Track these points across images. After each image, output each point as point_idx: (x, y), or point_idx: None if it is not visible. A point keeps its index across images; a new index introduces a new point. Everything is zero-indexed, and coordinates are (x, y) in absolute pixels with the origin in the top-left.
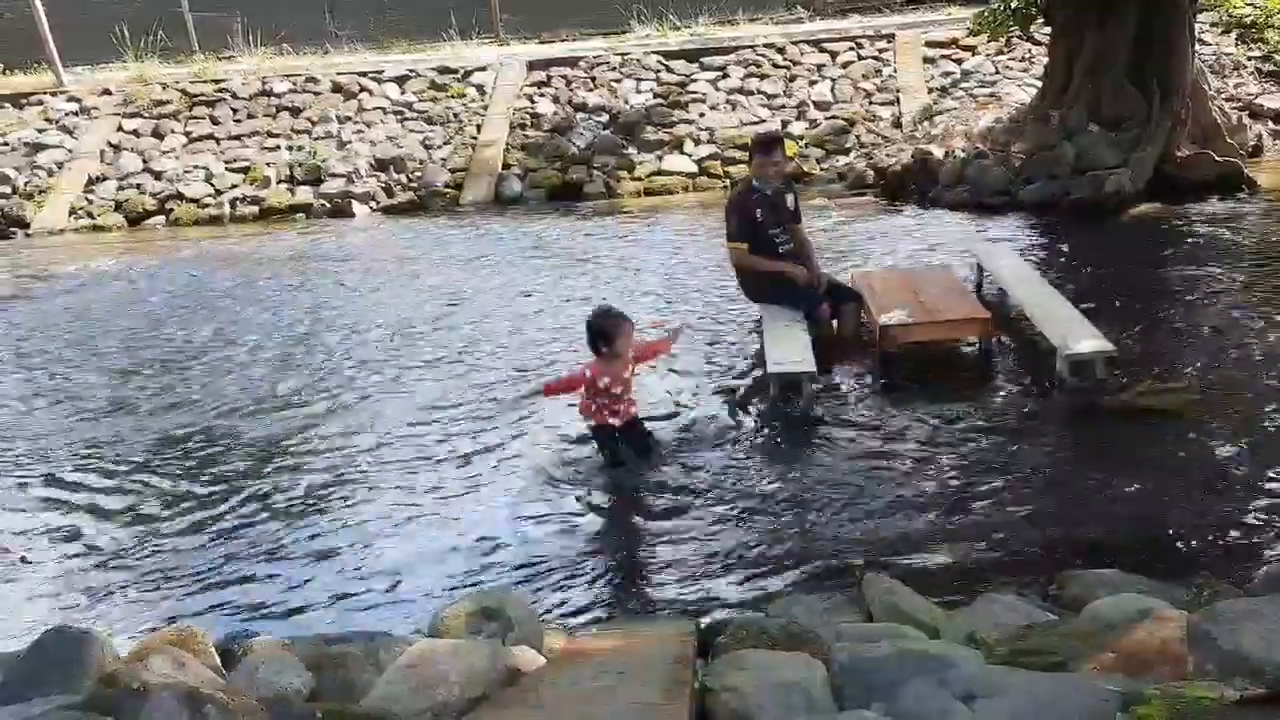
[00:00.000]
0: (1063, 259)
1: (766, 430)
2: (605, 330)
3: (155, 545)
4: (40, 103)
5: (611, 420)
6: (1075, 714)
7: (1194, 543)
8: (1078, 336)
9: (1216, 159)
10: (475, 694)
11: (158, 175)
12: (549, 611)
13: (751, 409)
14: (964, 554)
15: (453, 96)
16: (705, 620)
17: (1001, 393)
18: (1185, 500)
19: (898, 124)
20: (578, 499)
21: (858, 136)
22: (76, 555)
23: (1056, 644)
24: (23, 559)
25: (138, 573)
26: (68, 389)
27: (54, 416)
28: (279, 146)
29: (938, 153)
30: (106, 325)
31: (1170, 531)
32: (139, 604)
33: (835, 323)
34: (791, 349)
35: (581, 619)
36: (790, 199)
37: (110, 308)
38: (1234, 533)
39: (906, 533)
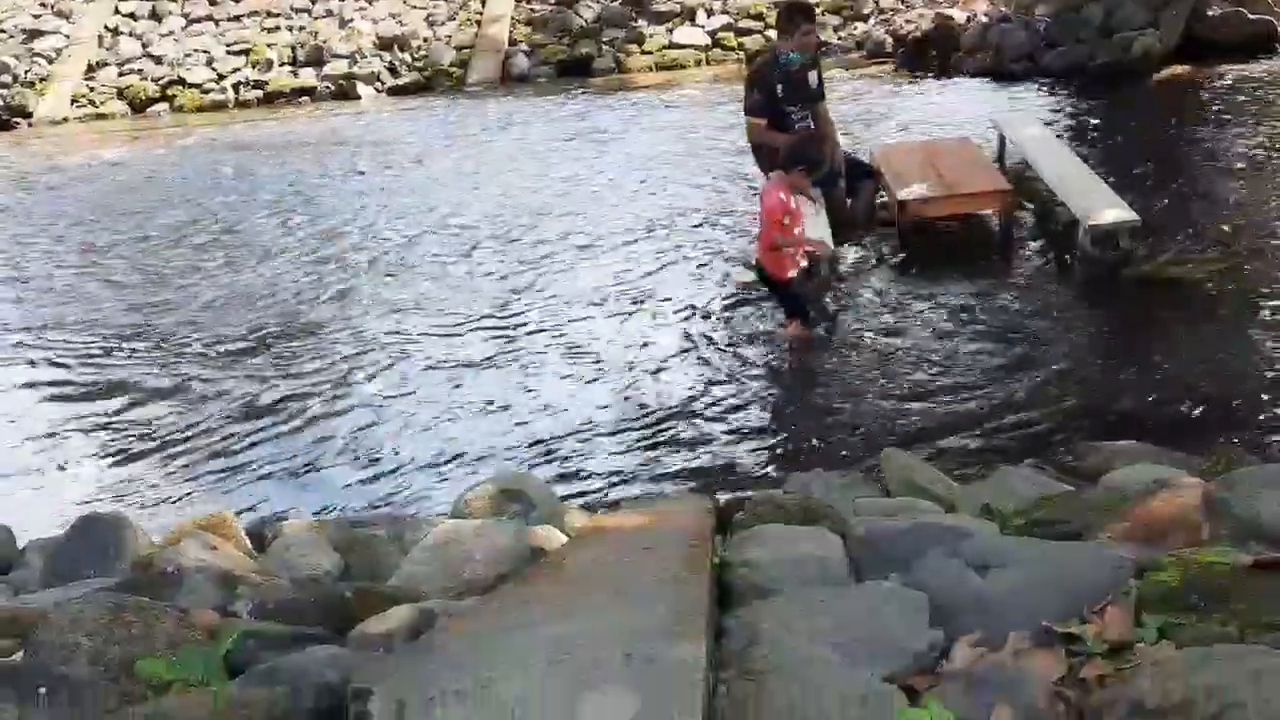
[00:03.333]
0: (1087, 127)
1: (783, 310)
2: (806, 155)
3: (184, 432)
4: None
5: (792, 270)
6: (1089, 581)
7: (1215, 413)
8: (1100, 206)
9: (1249, 17)
10: (500, 572)
11: (158, 60)
12: (569, 485)
13: (767, 289)
14: (982, 428)
15: None
16: (724, 497)
17: (1022, 267)
18: (1208, 372)
19: None
20: (593, 380)
21: (876, 2)
22: (108, 444)
23: (1072, 514)
24: None
25: (168, 460)
26: (93, 278)
27: (80, 306)
28: (279, 27)
29: (959, 17)
30: (122, 215)
31: (1191, 403)
32: (169, 491)
33: (851, 200)
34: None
35: (602, 498)
36: (814, 75)
37: (123, 197)
38: (1257, 403)
39: (925, 408)
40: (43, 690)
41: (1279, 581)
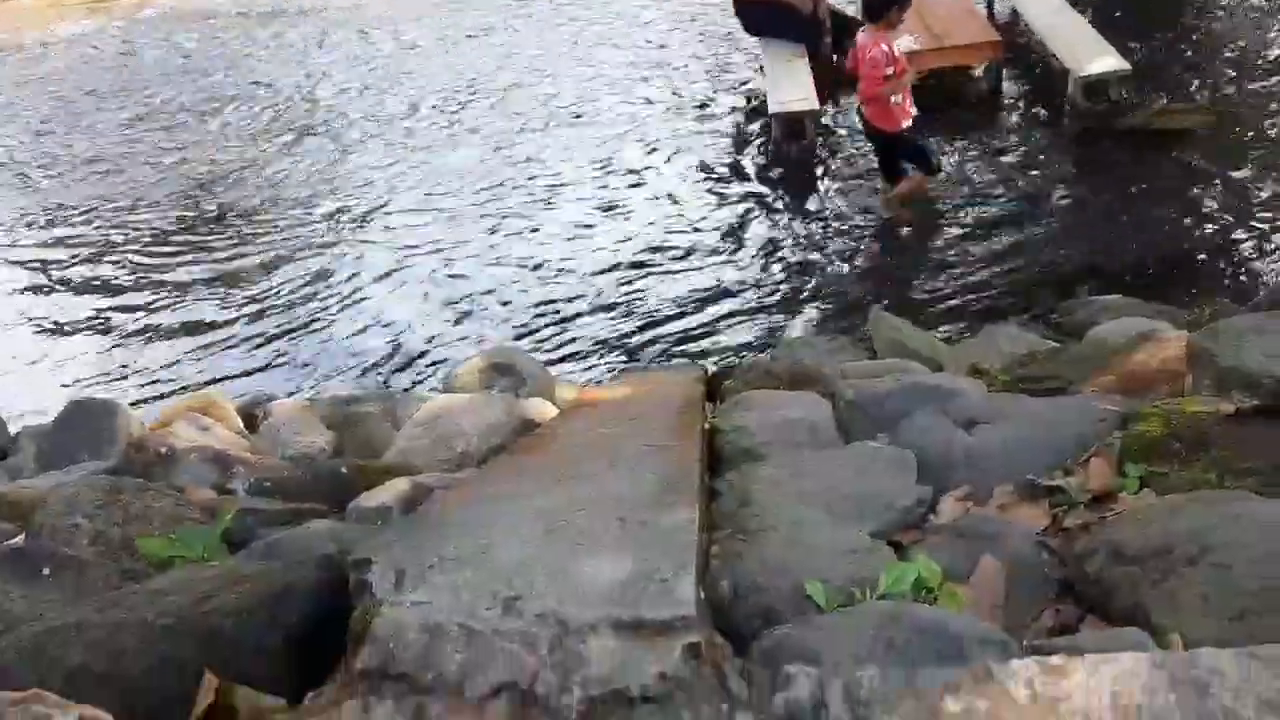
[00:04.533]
0: None
1: (769, 174)
2: None
3: (169, 317)
4: None
5: (905, 121)
6: (1073, 434)
7: (1204, 266)
8: (1091, 56)
9: None
10: (492, 445)
11: None
12: (560, 361)
13: (753, 152)
14: (970, 287)
15: None
16: (714, 365)
17: (1012, 120)
18: (1198, 224)
19: None
20: (581, 252)
21: None
22: (93, 330)
23: (1057, 370)
24: None
25: (155, 346)
26: (70, 158)
27: (56, 185)
28: None
29: None
30: (91, 91)
31: (1180, 255)
32: (157, 376)
33: (837, 57)
34: (793, 87)
35: (593, 371)
36: None
37: (89, 74)
38: (1246, 254)
39: (913, 270)
40: (46, 571)
41: (1260, 428)
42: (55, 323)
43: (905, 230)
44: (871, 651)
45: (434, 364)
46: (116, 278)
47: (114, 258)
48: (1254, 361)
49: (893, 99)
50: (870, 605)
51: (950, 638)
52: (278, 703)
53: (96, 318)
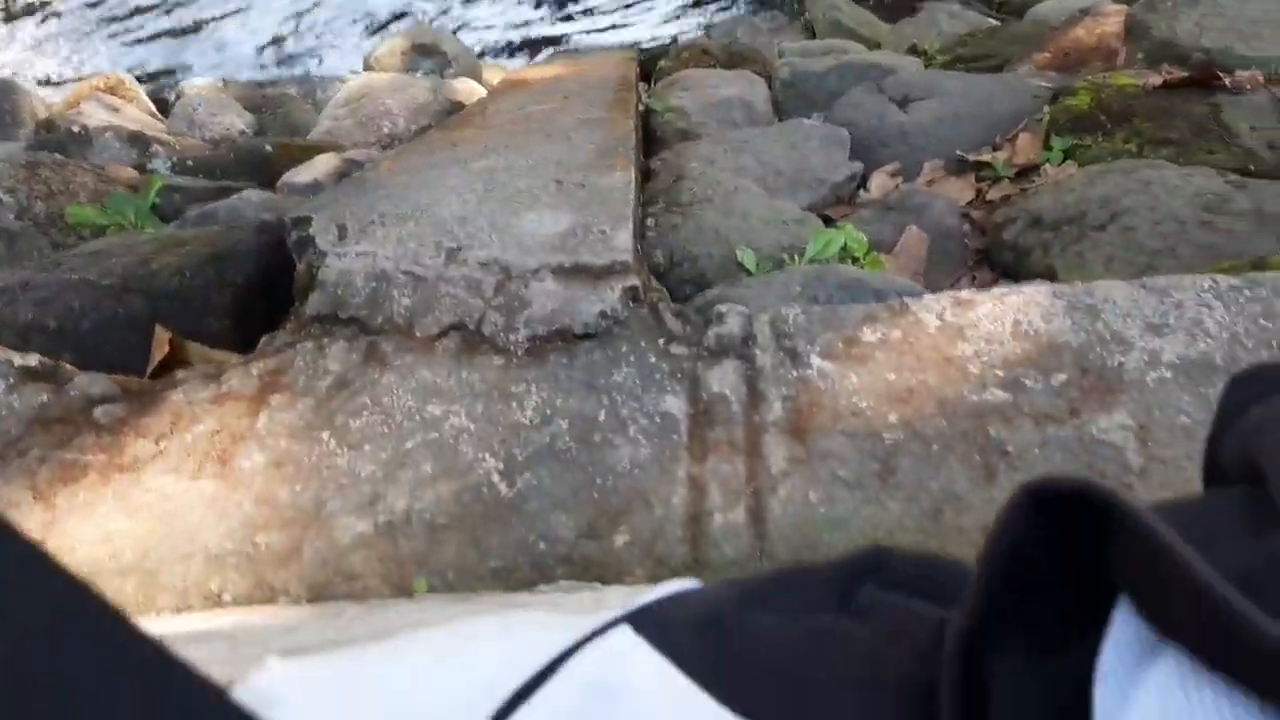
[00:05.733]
0: None
1: None
2: None
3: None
4: None
5: None
6: (1006, 111)
7: None
8: None
9: None
10: (420, 125)
11: None
12: (484, 53)
13: None
14: None
15: None
16: (647, 45)
17: None
18: None
19: None
20: None
21: None
22: None
23: (996, 48)
24: None
25: (52, 28)
26: None
27: None
28: None
29: None
30: None
31: None
32: (56, 57)
33: None
34: None
35: (518, 55)
36: None
37: None
38: None
39: None
40: None
41: (1182, 99)
42: None
43: None
44: (797, 303)
45: (352, 49)
46: None
47: None
48: (1186, 33)
49: None
50: (797, 268)
51: (871, 291)
52: (228, 355)
53: None
